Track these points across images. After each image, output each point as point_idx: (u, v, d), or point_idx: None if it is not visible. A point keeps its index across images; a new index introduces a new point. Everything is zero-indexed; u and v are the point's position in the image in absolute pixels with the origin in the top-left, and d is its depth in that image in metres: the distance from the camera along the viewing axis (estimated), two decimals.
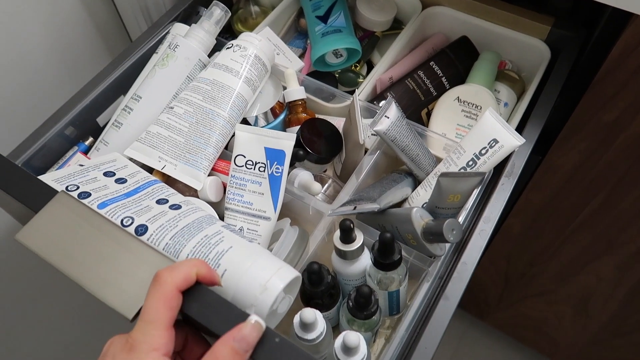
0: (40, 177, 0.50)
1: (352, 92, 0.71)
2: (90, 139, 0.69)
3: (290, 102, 0.70)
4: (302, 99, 0.70)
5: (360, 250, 0.55)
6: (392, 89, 0.75)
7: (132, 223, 0.47)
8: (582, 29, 0.73)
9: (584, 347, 1.10)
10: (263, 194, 0.58)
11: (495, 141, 0.58)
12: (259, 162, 0.59)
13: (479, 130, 0.59)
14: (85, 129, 0.69)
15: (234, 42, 0.66)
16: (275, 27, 0.82)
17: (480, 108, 0.70)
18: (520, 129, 0.64)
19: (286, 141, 0.58)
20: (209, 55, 0.68)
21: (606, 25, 0.69)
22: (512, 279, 1.06)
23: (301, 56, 0.83)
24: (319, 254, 0.60)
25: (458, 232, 0.52)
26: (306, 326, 0.49)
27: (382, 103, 0.73)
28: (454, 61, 0.77)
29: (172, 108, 0.62)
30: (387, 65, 0.77)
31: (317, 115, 0.71)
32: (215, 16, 0.69)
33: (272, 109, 0.74)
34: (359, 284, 0.57)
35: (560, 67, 0.70)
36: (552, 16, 0.76)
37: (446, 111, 0.72)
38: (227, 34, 0.87)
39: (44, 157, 0.65)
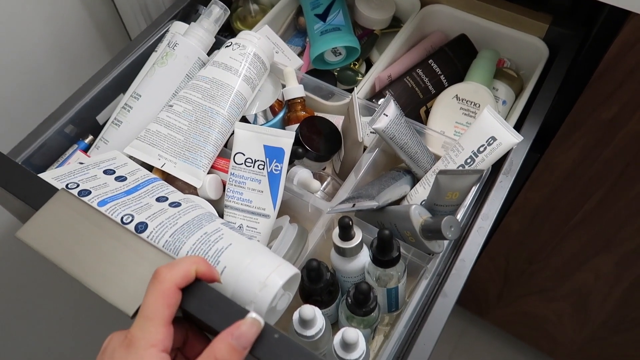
0: (41, 175, 0.50)
1: (351, 90, 0.71)
2: (90, 137, 0.69)
3: (289, 100, 0.70)
4: (301, 97, 0.70)
5: (359, 247, 0.55)
6: (390, 87, 0.75)
7: (132, 220, 0.48)
8: (581, 27, 0.74)
9: (582, 344, 1.10)
10: (262, 191, 0.59)
11: (494, 139, 0.58)
12: (258, 160, 0.59)
13: (477, 128, 0.59)
14: (85, 127, 0.69)
15: (233, 40, 0.66)
16: (274, 26, 0.82)
17: (479, 106, 0.70)
18: (518, 127, 0.64)
19: (285, 139, 0.59)
20: (208, 54, 0.69)
21: (604, 23, 0.69)
22: (511, 277, 1.06)
23: (300, 54, 0.83)
24: (318, 251, 0.60)
25: (456, 229, 0.52)
26: (305, 323, 0.49)
27: (381, 101, 0.74)
28: (453, 59, 0.77)
29: (171, 106, 0.62)
30: (385, 63, 0.78)
31: (316, 113, 0.72)
32: (215, 14, 0.69)
33: (271, 107, 0.74)
34: (357, 281, 0.57)
35: (559, 65, 0.70)
36: (551, 14, 0.76)
37: (445, 109, 0.72)
38: (227, 32, 0.87)
39: (44, 155, 0.65)
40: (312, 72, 0.80)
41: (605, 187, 0.76)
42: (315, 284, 0.54)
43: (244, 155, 0.59)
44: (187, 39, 0.66)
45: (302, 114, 0.70)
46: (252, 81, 0.65)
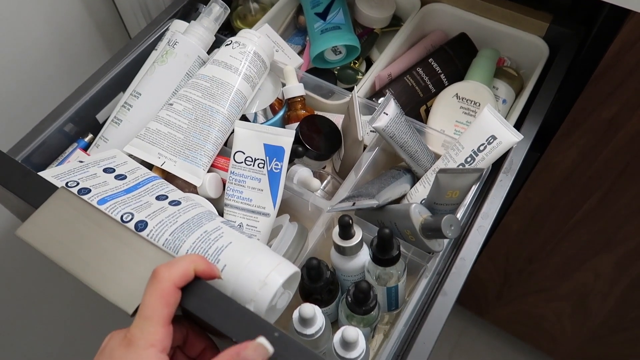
0: (41, 174, 0.50)
1: (351, 89, 0.71)
2: (90, 136, 0.69)
3: (289, 99, 0.70)
4: (301, 96, 0.70)
5: (359, 246, 0.55)
6: (391, 86, 0.75)
7: (132, 219, 0.48)
8: (581, 26, 0.74)
9: (582, 343, 1.10)
10: (262, 190, 0.59)
11: (494, 138, 0.58)
12: (258, 159, 0.59)
13: (477, 127, 0.59)
14: (85, 125, 0.69)
15: (233, 39, 0.66)
16: (275, 24, 0.82)
17: (479, 105, 0.70)
18: (518, 126, 0.64)
19: (285, 138, 0.59)
20: (208, 52, 0.69)
21: (604, 22, 0.69)
22: (510, 276, 1.06)
23: (300, 53, 0.83)
24: (318, 249, 0.60)
25: (456, 228, 0.52)
26: (305, 321, 0.49)
27: (381, 100, 0.74)
28: (453, 58, 0.77)
29: (171, 105, 0.62)
30: (386, 62, 0.77)
31: (316, 112, 0.72)
32: (215, 13, 0.69)
33: (271, 106, 0.74)
34: (357, 279, 0.57)
35: (559, 64, 0.70)
36: (551, 13, 0.76)
37: (445, 108, 0.72)
38: (226, 30, 0.87)
39: (44, 154, 0.65)
40: (312, 71, 0.80)
41: (605, 186, 0.76)
42: (315, 282, 0.54)
43: (244, 153, 0.59)
44: (187, 37, 0.66)
45: (302, 112, 0.70)
46: (252, 80, 0.65)
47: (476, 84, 0.71)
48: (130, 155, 0.60)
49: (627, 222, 0.79)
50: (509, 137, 0.58)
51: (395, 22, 0.85)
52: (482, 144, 0.59)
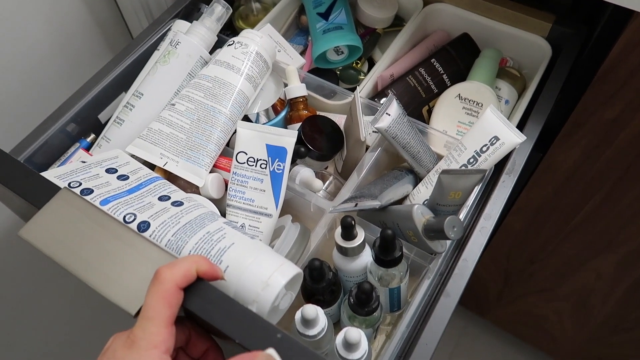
0: (43, 174, 0.50)
1: (353, 89, 0.71)
2: (92, 136, 0.69)
3: (291, 99, 0.70)
4: (303, 96, 0.70)
5: (361, 247, 0.55)
6: (393, 86, 0.75)
7: (134, 220, 0.47)
8: (584, 26, 0.73)
9: (583, 343, 1.10)
10: (264, 190, 0.58)
11: (496, 138, 0.58)
12: (260, 159, 0.59)
13: (480, 128, 0.59)
14: (87, 125, 0.69)
15: (235, 39, 0.66)
16: (277, 24, 0.82)
17: (482, 105, 0.70)
18: (521, 127, 0.64)
19: (287, 138, 0.59)
20: (211, 52, 0.68)
21: (607, 22, 0.69)
22: (512, 276, 1.06)
23: (302, 53, 0.83)
24: (320, 250, 0.60)
25: (459, 229, 0.52)
26: (307, 322, 0.49)
27: (383, 100, 0.74)
28: (455, 58, 0.77)
29: (173, 105, 0.62)
30: (388, 62, 0.77)
31: (318, 113, 0.72)
32: (217, 13, 0.69)
33: (274, 106, 0.74)
34: (360, 280, 0.57)
35: (562, 64, 0.70)
36: (554, 13, 0.76)
37: (447, 108, 0.72)
38: (229, 30, 0.87)
39: (46, 154, 0.65)
40: (314, 71, 0.80)
41: (607, 187, 0.76)
42: (318, 283, 0.54)
43: (246, 154, 0.59)
44: (190, 37, 0.66)
45: (304, 113, 0.70)
46: (255, 80, 0.65)
47: (479, 84, 0.71)
48: (133, 156, 0.60)
49: (630, 223, 0.79)
50: (511, 138, 0.58)
51: (398, 22, 0.85)
52: (485, 145, 0.59)
